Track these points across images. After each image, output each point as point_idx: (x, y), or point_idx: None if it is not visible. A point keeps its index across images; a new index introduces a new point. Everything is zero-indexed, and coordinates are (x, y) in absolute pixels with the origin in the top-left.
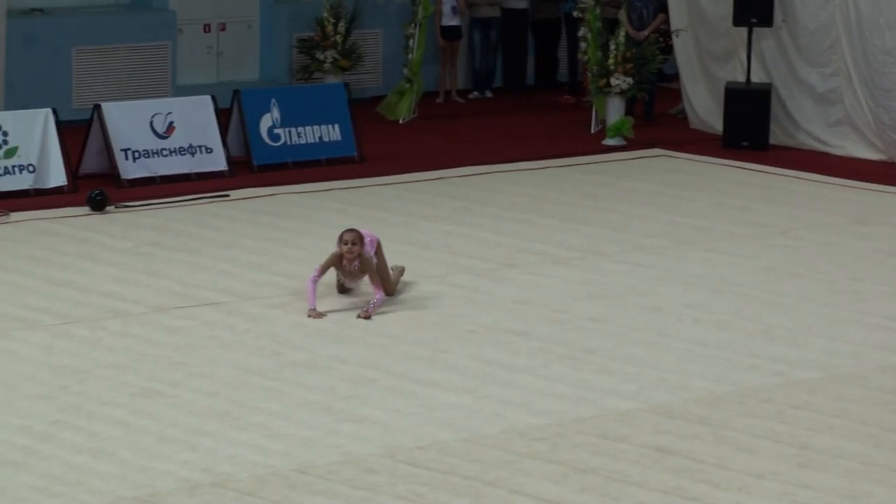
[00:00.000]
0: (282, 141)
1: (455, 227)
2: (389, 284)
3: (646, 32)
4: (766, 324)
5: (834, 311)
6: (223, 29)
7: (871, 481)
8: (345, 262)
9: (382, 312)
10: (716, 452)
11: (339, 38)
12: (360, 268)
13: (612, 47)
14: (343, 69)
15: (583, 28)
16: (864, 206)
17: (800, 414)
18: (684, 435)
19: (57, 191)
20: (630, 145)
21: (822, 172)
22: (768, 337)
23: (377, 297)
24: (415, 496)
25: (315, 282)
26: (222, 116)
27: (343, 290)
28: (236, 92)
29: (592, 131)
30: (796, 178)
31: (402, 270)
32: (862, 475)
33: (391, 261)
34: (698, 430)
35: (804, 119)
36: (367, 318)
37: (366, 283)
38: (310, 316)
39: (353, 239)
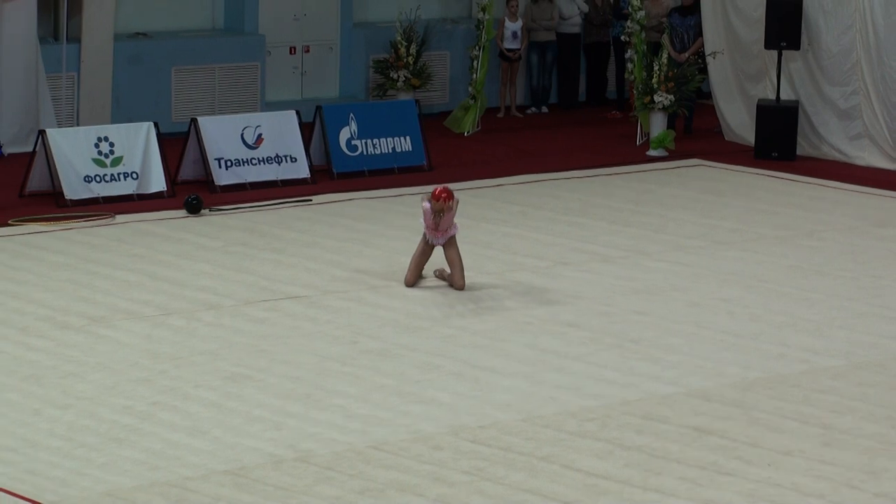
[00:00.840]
0: (359, 151)
1: (513, 228)
2: (461, 278)
3: (686, 54)
4: (794, 316)
5: (856, 305)
6: (307, 51)
7: (888, 458)
8: (439, 215)
9: (449, 306)
10: (748, 432)
11: (410, 59)
12: (449, 218)
13: (656, 68)
14: (414, 87)
15: (629, 51)
16: (883, 210)
17: (824, 398)
18: (719, 416)
19: (157, 196)
20: (671, 156)
21: (844, 181)
22: (795, 328)
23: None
24: (476, 470)
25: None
26: (305, 129)
27: (413, 280)
28: (318, 107)
29: (637, 143)
30: (821, 185)
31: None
32: (880, 453)
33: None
34: (732, 412)
35: (827, 133)
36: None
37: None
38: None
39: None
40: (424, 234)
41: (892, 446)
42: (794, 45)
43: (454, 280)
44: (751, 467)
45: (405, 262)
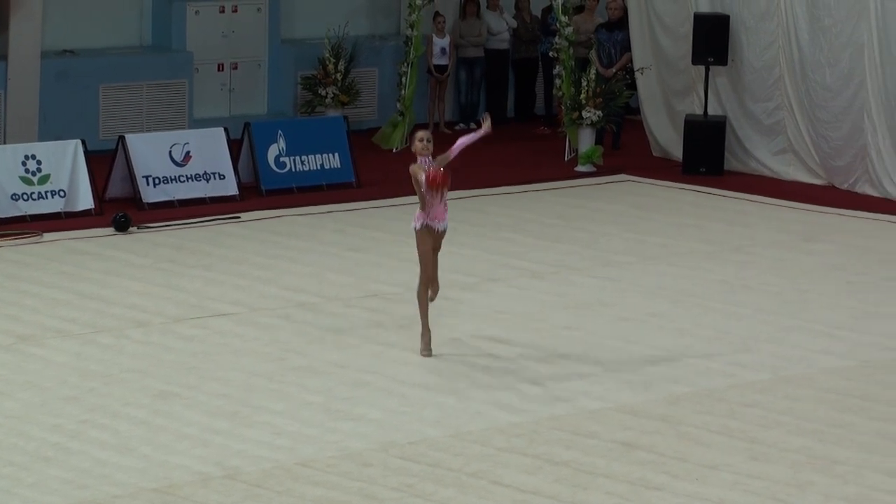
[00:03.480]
0: (287, 168)
1: (446, 245)
2: (435, 283)
3: (613, 70)
4: (721, 331)
5: (782, 319)
6: (235, 68)
7: (815, 472)
8: (421, 159)
9: (377, 324)
10: (675, 447)
11: (339, 76)
12: (438, 165)
13: (584, 84)
14: (342, 104)
15: (557, 66)
16: (809, 225)
17: (751, 412)
18: (647, 431)
19: (85, 213)
20: (599, 171)
21: (771, 195)
22: (723, 342)
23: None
24: (405, 487)
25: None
26: (234, 146)
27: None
28: (246, 124)
29: (566, 159)
30: (748, 200)
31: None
32: (807, 466)
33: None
34: (660, 427)
35: (753, 148)
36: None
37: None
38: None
39: (428, 136)
40: (426, 226)
41: (819, 460)
42: (722, 60)
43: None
44: (678, 482)
45: (334, 278)
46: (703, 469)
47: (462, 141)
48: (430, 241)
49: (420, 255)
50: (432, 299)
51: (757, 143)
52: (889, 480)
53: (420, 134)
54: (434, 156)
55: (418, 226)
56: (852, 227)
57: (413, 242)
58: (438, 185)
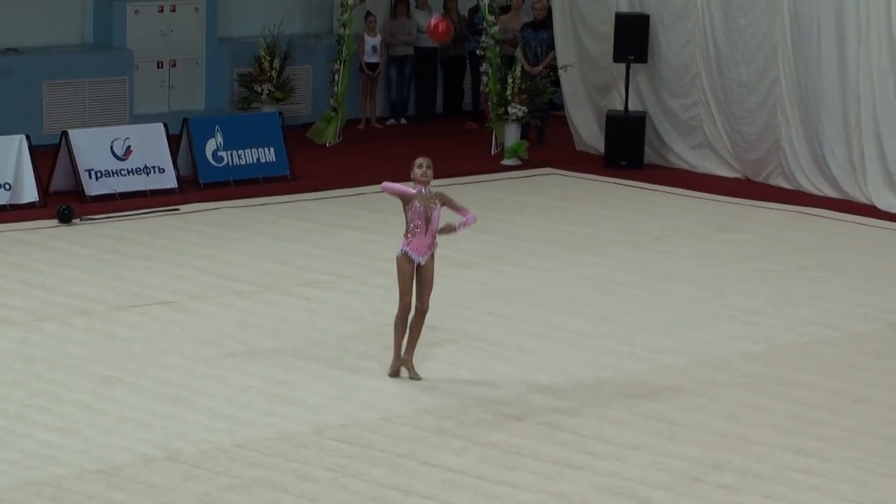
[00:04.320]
0: (224, 162)
1: (374, 235)
2: (427, 300)
3: (539, 68)
4: (643, 317)
5: (700, 305)
6: (174, 65)
7: (730, 452)
8: (419, 187)
9: (311, 311)
10: (598, 428)
11: (274, 73)
12: (435, 196)
13: (510, 80)
14: (277, 100)
15: (484, 64)
16: (726, 216)
17: (670, 394)
18: (571, 413)
19: (29, 206)
20: (525, 165)
21: (689, 188)
22: (643, 328)
23: (470, 216)
24: (339, 467)
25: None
26: (173, 141)
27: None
28: (185, 120)
29: (492, 153)
30: (667, 192)
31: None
32: (722, 447)
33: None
34: (583, 409)
35: (672, 142)
36: (454, 230)
37: (442, 225)
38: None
39: (427, 163)
40: (405, 254)
41: (733, 441)
42: (642, 58)
43: (421, 301)
44: (600, 461)
45: (271, 268)
46: (623, 449)
47: (468, 218)
48: (409, 269)
49: (399, 283)
50: (419, 317)
51: (675, 138)
52: (800, 459)
53: (419, 160)
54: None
55: (399, 252)
56: (766, 217)
57: (340, 235)
58: (440, 35)
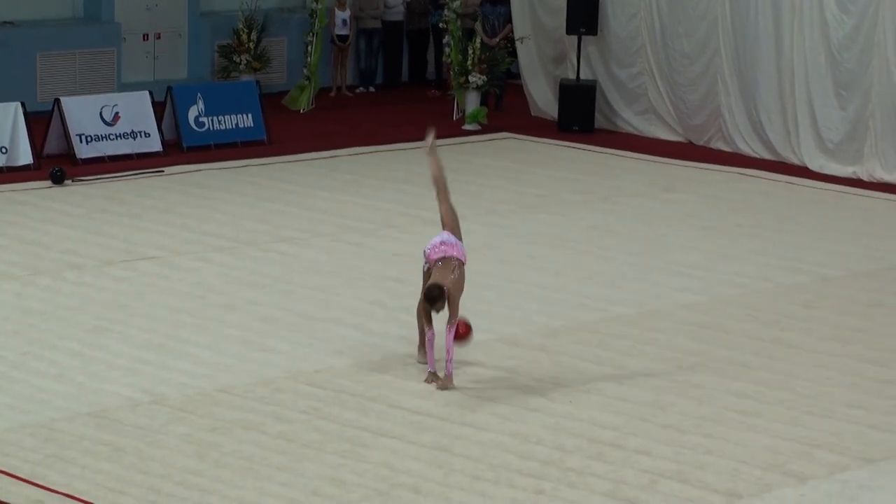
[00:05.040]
0: (206, 127)
1: (346, 196)
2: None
3: (496, 39)
4: (592, 271)
5: (645, 260)
6: (159, 38)
7: (674, 395)
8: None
9: (286, 265)
10: (552, 373)
11: (252, 45)
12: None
13: (470, 52)
14: (255, 70)
15: (447, 36)
16: (669, 177)
17: (618, 342)
18: (527, 360)
19: (25, 168)
20: (484, 130)
21: (635, 151)
22: (593, 281)
23: (449, 355)
24: (312, 410)
25: (431, 339)
26: (158, 108)
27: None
28: (169, 88)
29: (454, 119)
30: (616, 155)
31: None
32: (667, 390)
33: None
34: (538, 356)
35: (620, 109)
36: (445, 388)
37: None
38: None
39: (438, 307)
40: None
41: (677, 384)
42: (592, 31)
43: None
44: (554, 404)
45: (250, 226)
46: (576, 393)
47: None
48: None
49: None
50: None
51: (622, 105)
52: (738, 401)
53: (436, 304)
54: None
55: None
56: (707, 178)
57: (315, 196)
58: (461, 337)
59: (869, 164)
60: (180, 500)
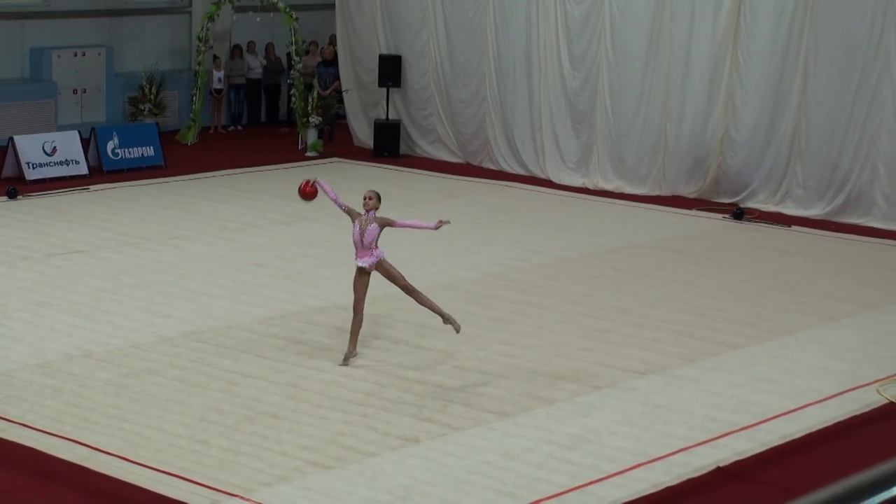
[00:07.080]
0: (120, 156)
1: (223, 203)
2: (403, 282)
3: (328, 91)
4: (393, 258)
5: (432, 247)
6: (84, 92)
7: (461, 344)
8: (363, 212)
9: (179, 254)
10: (372, 331)
11: (152, 97)
12: (376, 220)
13: (310, 100)
14: (155, 114)
15: (293, 89)
16: (452, 188)
17: (421, 308)
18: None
19: None
20: (321, 156)
21: (427, 169)
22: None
23: (433, 223)
24: (199, 360)
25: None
26: (85, 143)
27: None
28: (93, 129)
29: (299, 148)
30: (414, 172)
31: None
32: (456, 341)
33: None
34: (372, 321)
35: (417, 139)
36: (439, 226)
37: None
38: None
39: (370, 195)
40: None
41: (463, 336)
42: (397, 84)
43: (401, 286)
44: (374, 351)
45: (152, 227)
46: (389, 344)
47: (411, 222)
48: (357, 275)
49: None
50: (411, 294)
51: (419, 137)
52: (504, 347)
53: (367, 192)
54: (377, 214)
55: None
56: (479, 188)
57: (199, 205)
58: (307, 194)
59: (594, 177)
60: (104, 427)
